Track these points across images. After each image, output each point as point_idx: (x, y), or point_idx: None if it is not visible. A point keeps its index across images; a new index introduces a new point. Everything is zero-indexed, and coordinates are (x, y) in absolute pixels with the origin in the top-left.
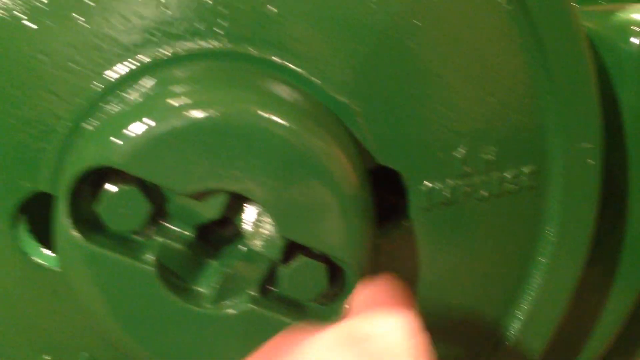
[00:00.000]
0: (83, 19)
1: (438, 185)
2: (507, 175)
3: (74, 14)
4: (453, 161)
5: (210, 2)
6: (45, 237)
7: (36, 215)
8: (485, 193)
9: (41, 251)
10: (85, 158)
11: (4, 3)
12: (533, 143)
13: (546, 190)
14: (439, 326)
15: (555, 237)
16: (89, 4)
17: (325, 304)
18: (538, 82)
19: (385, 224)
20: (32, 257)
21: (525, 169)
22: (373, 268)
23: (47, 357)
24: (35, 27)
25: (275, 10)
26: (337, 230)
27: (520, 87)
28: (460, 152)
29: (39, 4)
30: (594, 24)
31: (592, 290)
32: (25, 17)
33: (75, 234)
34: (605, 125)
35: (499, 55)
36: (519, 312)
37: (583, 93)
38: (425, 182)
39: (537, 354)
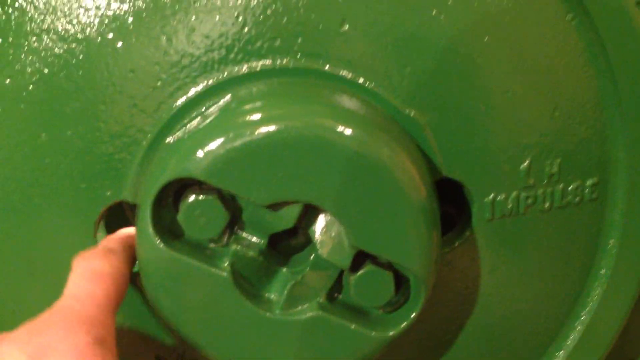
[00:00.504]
0: (167, 38)
1: (502, 197)
2: (570, 187)
3: (159, 34)
4: (518, 173)
5: (287, 21)
6: None
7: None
8: (548, 205)
9: None
10: (168, 170)
11: (94, 23)
12: (597, 155)
13: (608, 202)
14: (497, 336)
15: (616, 248)
16: (172, 24)
17: (390, 312)
18: (603, 96)
19: (447, 234)
20: None
21: (588, 181)
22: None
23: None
24: (122, 46)
25: (347, 28)
26: (405, 240)
27: (586, 101)
28: (526, 164)
29: (126, 24)
30: None
31: None
32: (114, 37)
33: (156, 240)
34: None
35: (564, 69)
36: (579, 324)
37: None
38: (490, 194)
39: None
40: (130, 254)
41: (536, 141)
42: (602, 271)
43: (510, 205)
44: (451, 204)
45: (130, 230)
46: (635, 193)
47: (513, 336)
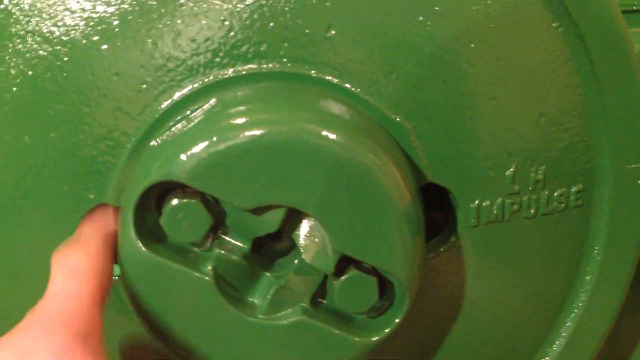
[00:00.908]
0: (152, 42)
1: (487, 203)
2: (556, 194)
3: (144, 37)
4: (503, 180)
5: (273, 25)
6: None
7: None
8: (533, 211)
9: None
10: (152, 173)
11: (79, 26)
12: (582, 163)
13: (593, 209)
14: (483, 342)
15: (601, 256)
16: (158, 27)
17: (374, 317)
18: (589, 104)
19: (431, 240)
20: None
21: (574, 188)
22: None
23: None
24: (108, 49)
25: (334, 34)
26: (389, 245)
27: (571, 108)
28: (511, 171)
29: (112, 27)
30: None
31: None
32: (99, 40)
33: (139, 244)
34: None
35: (550, 77)
36: (564, 330)
37: (634, 114)
38: (475, 200)
39: None
40: (109, 243)
41: (521, 148)
42: (588, 278)
43: (495, 212)
44: (438, 209)
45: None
46: (620, 201)
47: (499, 342)
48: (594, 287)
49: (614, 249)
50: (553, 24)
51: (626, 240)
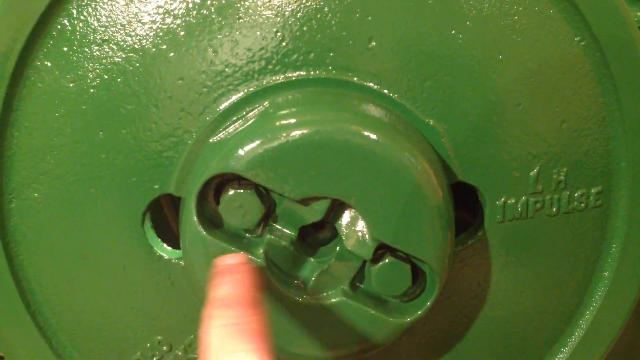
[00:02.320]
0: (213, 50)
1: (512, 201)
2: (576, 194)
3: (206, 46)
4: (527, 180)
5: (320, 37)
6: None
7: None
8: (555, 210)
9: (162, 245)
10: (212, 166)
11: (149, 36)
12: (601, 166)
13: (612, 209)
14: (505, 330)
15: (618, 253)
16: (218, 37)
17: (407, 301)
18: (608, 112)
19: (461, 233)
20: (156, 250)
21: (593, 189)
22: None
23: (159, 337)
24: (174, 56)
25: (374, 45)
26: (422, 235)
27: (592, 116)
28: (535, 172)
29: (178, 37)
30: None
31: None
32: (167, 48)
33: (200, 229)
34: None
35: (572, 87)
36: (582, 321)
37: None
38: (501, 198)
39: None
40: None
41: (545, 151)
42: (606, 273)
43: (520, 209)
44: (468, 211)
45: None
46: (637, 201)
47: (520, 331)
48: (612, 282)
49: (631, 247)
50: (575, 38)
51: None
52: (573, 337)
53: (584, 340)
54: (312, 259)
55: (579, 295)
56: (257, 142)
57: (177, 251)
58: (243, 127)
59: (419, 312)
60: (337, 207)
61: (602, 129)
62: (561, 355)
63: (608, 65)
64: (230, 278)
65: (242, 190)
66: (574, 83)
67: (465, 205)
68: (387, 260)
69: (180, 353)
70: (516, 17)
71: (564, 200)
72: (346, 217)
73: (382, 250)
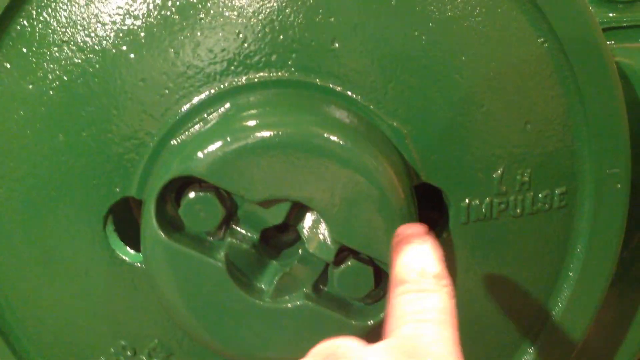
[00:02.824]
0: (174, 51)
1: (476, 202)
2: (540, 195)
3: (167, 47)
4: (491, 181)
5: (283, 38)
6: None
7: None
8: (519, 211)
9: (125, 248)
10: (172, 169)
11: (109, 37)
12: (565, 167)
13: (576, 210)
14: (472, 332)
15: (583, 254)
16: (180, 38)
17: (370, 303)
18: (572, 113)
19: None
20: (118, 254)
21: (557, 190)
22: None
23: (123, 342)
24: (135, 57)
25: (337, 46)
26: (384, 237)
27: (556, 117)
28: (499, 173)
29: (139, 38)
30: (633, 60)
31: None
32: (127, 49)
33: (159, 232)
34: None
35: (536, 88)
36: (549, 323)
37: (614, 123)
38: (465, 199)
39: None
40: None
41: (508, 152)
42: (571, 274)
43: (484, 210)
44: (435, 209)
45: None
46: (601, 202)
47: (488, 332)
48: (577, 283)
49: (595, 248)
50: (538, 40)
51: (607, 239)
52: (539, 338)
53: (550, 341)
54: (275, 262)
55: (545, 296)
56: (217, 144)
57: (141, 255)
58: (203, 129)
59: (382, 314)
60: (299, 210)
61: (566, 130)
62: (527, 357)
63: (571, 67)
64: (419, 245)
65: (202, 193)
66: (538, 84)
67: (437, 205)
68: (349, 263)
69: (144, 358)
70: (479, 19)
71: (528, 201)
72: (308, 219)
73: (344, 252)
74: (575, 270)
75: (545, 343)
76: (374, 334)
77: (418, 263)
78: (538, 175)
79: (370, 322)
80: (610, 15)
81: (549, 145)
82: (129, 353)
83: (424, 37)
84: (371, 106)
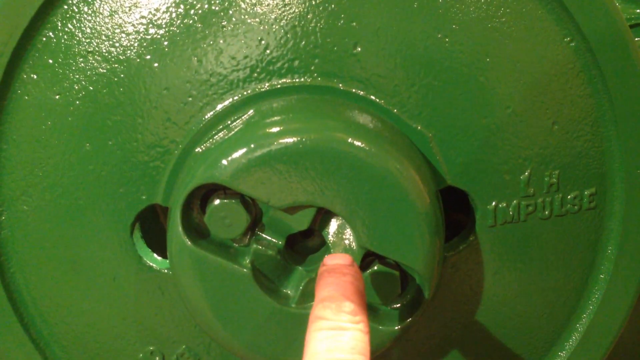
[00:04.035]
0: (197, 59)
1: (503, 205)
2: (569, 196)
3: (190, 55)
4: (518, 183)
5: (305, 44)
6: (151, 244)
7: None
8: (547, 213)
9: (152, 255)
10: (197, 176)
11: (134, 46)
12: (594, 167)
13: (606, 211)
14: (501, 335)
15: (614, 255)
16: (203, 46)
17: (397, 309)
18: (600, 113)
19: (452, 238)
20: (145, 260)
21: (587, 191)
22: (440, 278)
23: (151, 348)
24: (158, 66)
25: (359, 51)
26: (410, 242)
27: (583, 117)
28: (526, 175)
29: (162, 47)
30: None
31: None
32: (151, 59)
33: (185, 239)
34: None
35: (563, 88)
36: (579, 325)
37: None
38: (492, 202)
39: None
40: None
41: (535, 153)
42: (602, 276)
43: (511, 213)
44: (463, 211)
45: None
46: (631, 203)
47: (516, 335)
48: (608, 285)
49: (627, 249)
50: (565, 39)
51: (639, 240)
52: (570, 340)
53: (582, 343)
54: (301, 268)
55: (575, 299)
56: (241, 151)
57: (168, 261)
58: (227, 136)
59: (409, 319)
60: (324, 215)
61: (594, 130)
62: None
63: (599, 66)
64: (338, 279)
65: (227, 200)
66: (565, 84)
67: (465, 207)
68: (375, 268)
69: None
70: (504, 19)
71: (557, 203)
72: (333, 225)
73: (370, 257)
74: (607, 271)
75: (577, 346)
76: (405, 338)
77: (334, 299)
78: (566, 176)
79: (398, 327)
80: (638, 11)
81: (577, 145)
82: (157, 358)
83: (447, 40)
84: (395, 110)
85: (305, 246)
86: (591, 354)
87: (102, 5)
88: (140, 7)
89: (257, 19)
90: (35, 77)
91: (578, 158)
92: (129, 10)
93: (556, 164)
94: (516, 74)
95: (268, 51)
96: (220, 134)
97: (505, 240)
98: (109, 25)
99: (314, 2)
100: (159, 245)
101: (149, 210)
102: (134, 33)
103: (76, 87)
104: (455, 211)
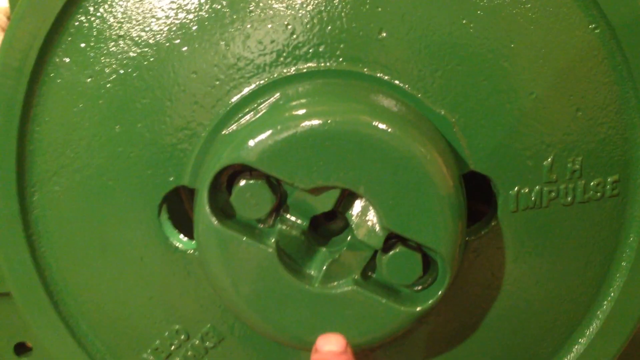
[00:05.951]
0: (225, 44)
1: (526, 191)
2: (592, 183)
3: (218, 40)
4: (541, 169)
5: (331, 29)
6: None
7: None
8: (570, 199)
9: (178, 236)
10: (224, 157)
11: (163, 30)
12: (618, 154)
13: (629, 198)
14: (521, 321)
15: (637, 243)
16: (230, 31)
17: (418, 290)
18: (624, 100)
19: (474, 223)
20: (172, 241)
21: (610, 178)
22: (462, 262)
23: (177, 327)
24: (187, 50)
25: (384, 36)
26: (433, 224)
27: (608, 103)
28: (549, 161)
29: (191, 31)
30: None
31: None
32: (180, 43)
33: (212, 219)
34: None
35: (587, 74)
36: (600, 312)
37: None
38: (514, 187)
39: (615, 353)
40: None
41: (559, 140)
42: (624, 264)
43: (533, 198)
44: (485, 202)
45: None
46: None
47: (536, 322)
48: (630, 272)
49: None
50: (590, 26)
51: None
52: (591, 327)
53: (602, 330)
54: (324, 249)
55: (596, 286)
56: (267, 133)
57: (194, 242)
58: (254, 119)
59: (430, 301)
60: (348, 197)
61: (618, 117)
62: (579, 347)
63: (623, 53)
64: None
65: (253, 181)
66: (589, 71)
67: (485, 197)
68: (398, 250)
69: (197, 342)
70: (528, 5)
71: (580, 189)
72: (357, 206)
73: (393, 239)
74: (629, 259)
75: (598, 332)
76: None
77: None
78: (589, 163)
79: (419, 309)
80: None
81: (600, 132)
82: (182, 337)
83: (471, 25)
84: (419, 95)
85: (328, 228)
86: (612, 341)
87: None
88: None
89: (284, 4)
90: (67, 60)
91: (601, 145)
92: None
93: (579, 151)
94: (540, 60)
95: (294, 36)
96: (247, 117)
97: (527, 226)
98: (140, 10)
99: None
100: (183, 227)
101: (175, 193)
102: (163, 18)
103: (107, 71)
104: (475, 200)
